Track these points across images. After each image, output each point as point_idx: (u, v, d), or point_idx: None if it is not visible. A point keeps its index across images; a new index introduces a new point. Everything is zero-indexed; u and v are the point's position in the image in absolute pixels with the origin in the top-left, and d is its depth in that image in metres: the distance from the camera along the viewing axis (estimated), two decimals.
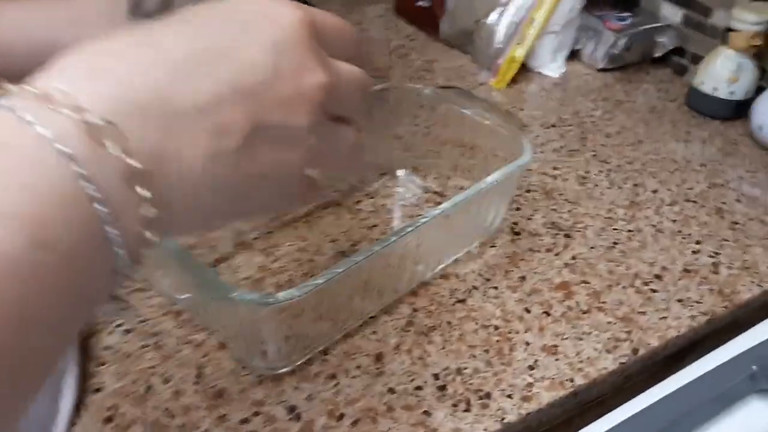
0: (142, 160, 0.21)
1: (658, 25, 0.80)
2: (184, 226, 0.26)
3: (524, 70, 0.79)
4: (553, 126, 0.70)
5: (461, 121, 0.55)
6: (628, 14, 0.81)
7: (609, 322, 0.48)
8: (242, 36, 0.25)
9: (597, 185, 0.62)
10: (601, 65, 0.80)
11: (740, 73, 0.70)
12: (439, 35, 0.84)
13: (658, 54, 0.82)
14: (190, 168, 0.23)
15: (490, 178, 0.47)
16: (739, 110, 0.72)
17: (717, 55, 0.71)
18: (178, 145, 0.23)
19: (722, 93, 0.71)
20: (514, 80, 0.77)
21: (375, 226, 0.55)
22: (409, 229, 0.43)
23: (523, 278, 0.51)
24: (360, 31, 0.87)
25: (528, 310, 0.48)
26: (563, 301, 0.49)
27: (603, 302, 0.49)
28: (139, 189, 0.21)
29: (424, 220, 0.44)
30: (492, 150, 0.55)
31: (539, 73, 0.80)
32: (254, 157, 0.25)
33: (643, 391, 0.42)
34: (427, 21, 0.85)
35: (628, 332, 0.47)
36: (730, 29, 0.70)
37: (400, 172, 0.60)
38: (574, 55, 0.82)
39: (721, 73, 0.71)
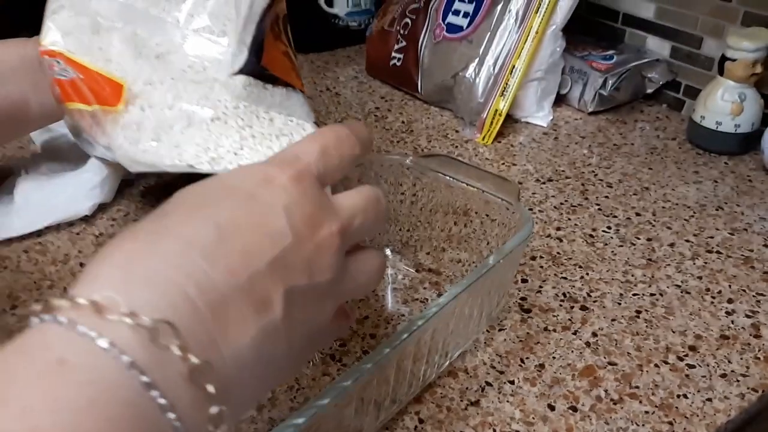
0: (198, 353, 0.21)
1: (647, 60, 0.76)
2: (241, 408, 0.25)
3: (510, 121, 0.74)
4: (550, 180, 0.64)
5: (450, 190, 0.49)
6: (613, 51, 0.77)
7: (646, 412, 0.41)
8: (255, 208, 0.25)
9: (607, 244, 0.56)
10: (591, 108, 0.75)
11: (744, 104, 0.65)
12: (416, 93, 0.80)
13: (649, 90, 0.77)
14: (241, 349, 0.24)
15: (494, 257, 0.41)
16: (746, 143, 0.67)
17: (716, 87, 0.66)
18: (227, 329, 0.23)
19: (726, 127, 0.66)
20: (500, 133, 0.72)
21: (366, 318, 0.48)
22: (414, 328, 0.36)
23: (541, 366, 0.44)
24: (334, 95, 0.82)
25: (552, 407, 0.41)
26: (590, 390, 0.43)
27: (635, 387, 0.43)
28: (203, 385, 0.22)
29: (432, 311, 0.37)
30: (488, 215, 0.49)
31: (527, 123, 0.75)
32: (293, 321, 0.26)
33: None
34: (403, 80, 0.81)
35: (671, 423, 0.40)
36: (725, 59, 0.65)
37: (388, 251, 0.54)
38: (560, 100, 0.78)
39: (723, 106, 0.66)
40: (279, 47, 0.37)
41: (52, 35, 0.36)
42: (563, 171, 0.66)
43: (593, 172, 0.66)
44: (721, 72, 0.66)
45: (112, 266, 0.22)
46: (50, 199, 0.58)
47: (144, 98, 0.34)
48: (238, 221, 0.25)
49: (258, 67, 0.33)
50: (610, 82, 0.73)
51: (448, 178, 0.49)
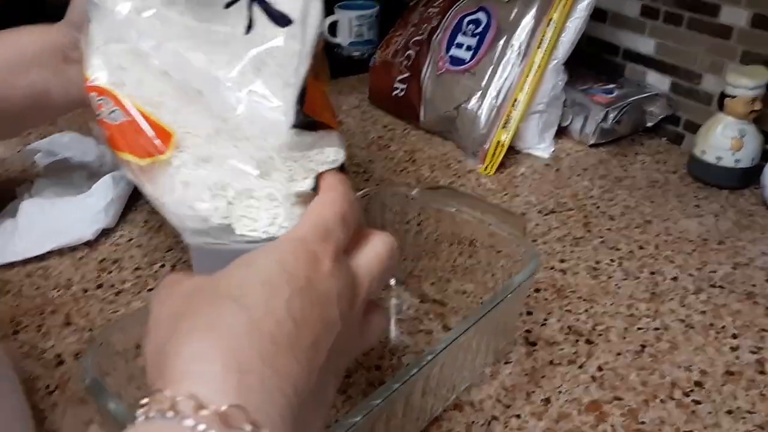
0: None
1: (647, 94, 0.77)
2: None
3: (512, 152, 0.74)
4: (553, 212, 0.65)
5: (455, 222, 0.50)
6: (613, 85, 0.78)
7: None
8: (314, 298, 0.27)
9: (611, 277, 0.56)
10: (592, 141, 0.76)
11: (743, 140, 0.66)
12: (419, 123, 0.80)
13: (649, 124, 0.78)
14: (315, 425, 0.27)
15: (500, 293, 0.41)
16: (746, 178, 0.68)
17: (716, 123, 0.67)
18: (307, 428, 0.26)
19: (727, 162, 0.67)
20: (503, 164, 0.72)
21: (371, 349, 0.48)
22: (424, 362, 0.36)
23: (547, 401, 0.44)
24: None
25: None
26: (596, 425, 0.42)
27: (642, 423, 0.43)
28: None
29: (440, 346, 0.37)
30: (493, 247, 0.49)
31: (528, 155, 0.76)
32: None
33: None
34: (405, 110, 0.82)
35: None
36: (725, 95, 0.66)
37: (392, 281, 0.54)
38: (561, 132, 0.78)
39: (723, 141, 0.66)
40: (318, 88, 0.36)
41: (100, 70, 0.36)
42: (565, 203, 0.66)
43: (595, 204, 0.66)
44: (721, 108, 0.67)
45: (227, 370, 0.23)
46: (54, 223, 0.58)
47: (193, 152, 0.34)
48: (306, 314, 0.26)
49: (301, 116, 0.33)
50: (611, 115, 0.74)
51: (453, 210, 0.49)
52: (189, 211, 0.33)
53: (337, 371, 0.29)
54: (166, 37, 0.34)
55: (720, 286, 0.55)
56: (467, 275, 0.52)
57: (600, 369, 0.47)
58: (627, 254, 0.59)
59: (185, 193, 0.34)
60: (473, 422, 0.42)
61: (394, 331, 0.50)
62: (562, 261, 0.58)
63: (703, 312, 0.52)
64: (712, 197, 0.68)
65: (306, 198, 0.34)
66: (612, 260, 0.58)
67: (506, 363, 0.47)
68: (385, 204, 0.52)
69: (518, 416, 0.43)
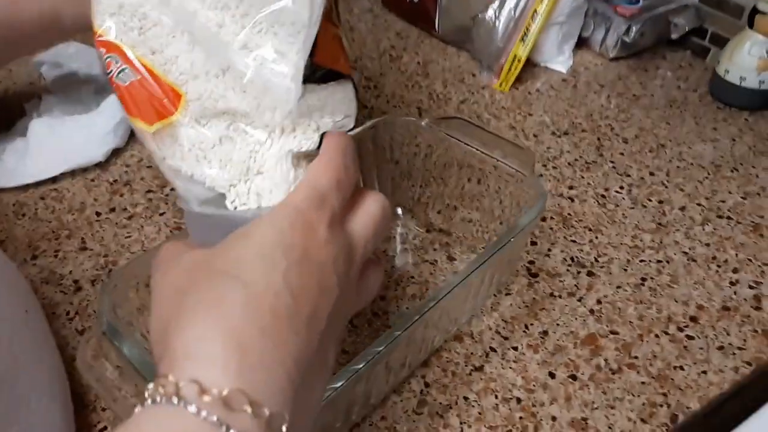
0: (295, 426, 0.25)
1: (674, 6, 0.72)
2: None
3: (529, 65, 0.72)
4: (566, 134, 0.64)
5: (464, 155, 0.49)
6: None
7: (643, 383, 0.43)
8: (311, 268, 0.27)
9: (618, 205, 0.56)
10: (612, 54, 0.73)
11: None
12: (434, 32, 0.77)
13: (674, 36, 0.74)
14: (316, 407, 0.28)
15: (507, 234, 0.42)
16: None
17: (743, 40, 0.64)
18: (311, 395, 0.27)
19: (751, 83, 0.64)
20: (518, 79, 0.70)
21: None
22: (432, 304, 0.38)
23: (545, 333, 0.46)
24: (348, 30, 0.80)
25: (552, 375, 0.43)
26: (590, 359, 0.44)
27: (635, 357, 0.44)
28: None
29: (446, 291, 0.38)
30: (501, 178, 0.49)
31: (545, 68, 0.73)
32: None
33: None
34: (420, 17, 0.78)
35: (665, 394, 0.42)
36: (756, 11, 0.62)
37: (399, 210, 0.54)
38: (582, 43, 0.75)
39: (749, 61, 0.64)
40: (330, 31, 0.34)
41: (109, 23, 0.34)
42: (580, 123, 0.65)
43: (610, 125, 0.65)
44: (750, 25, 0.63)
45: (228, 351, 0.24)
46: (64, 143, 0.58)
47: (202, 113, 0.33)
48: (303, 285, 0.27)
49: (311, 68, 0.32)
50: (634, 28, 0.71)
51: (463, 144, 0.48)
52: (196, 177, 0.33)
53: (337, 335, 0.30)
54: None
55: (728, 217, 0.55)
56: (474, 203, 0.52)
57: (599, 302, 0.48)
58: (637, 181, 0.58)
59: (192, 156, 0.33)
60: (472, 353, 0.44)
61: (399, 260, 0.51)
62: (571, 188, 0.58)
63: (707, 245, 0.52)
64: (731, 119, 0.66)
65: (309, 158, 0.34)
66: (621, 187, 0.58)
67: (507, 294, 0.48)
68: (394, 134, 0.51)
69: (515, 348, 0.45)
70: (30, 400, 0.35)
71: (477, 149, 0.48)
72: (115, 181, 0.58)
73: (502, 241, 0.42)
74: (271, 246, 0.27)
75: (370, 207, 0.33)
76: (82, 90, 0.65)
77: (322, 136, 0.34)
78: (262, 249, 0.27)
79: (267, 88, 0.32)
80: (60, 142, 0.58)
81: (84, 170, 0.58)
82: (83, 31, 0.53)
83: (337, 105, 0.36)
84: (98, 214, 0.54)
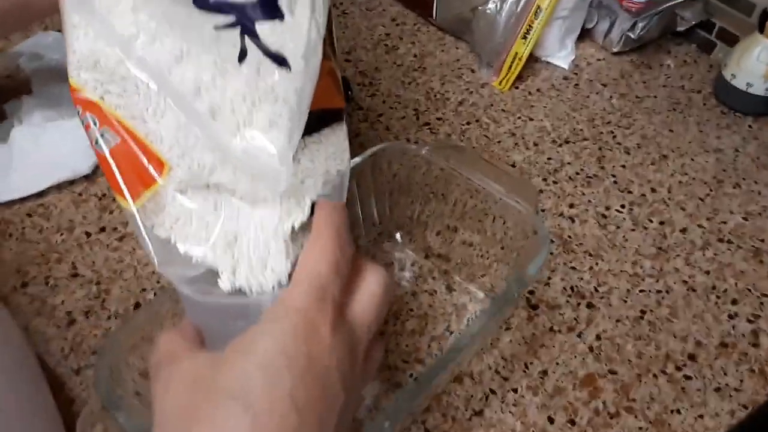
0: None
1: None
2: None
3: (530, 59, 0.69)
4: (567, 142, 0.62)
5: (465, 189, 0.48)
6: None
7: (640, 428, 0.43)
8: (316, 378, 0.27)
9: (619, 227, 0.55)
10: (616, 49, 0.71)
11: None
12: (431, 18, 0.74)
13: (680, 28, 0.72)
14: None
15: (513, 287, 0.41)
16: None
17: (752, 44, 0.62)
18: None
19: (757, 89, 0.63)
20: (519, 75, 0.68)
21: None
22: (448, 364, 0.37)
23: (544, 373, 0.46)
24: (341, 14, 0.76)
25: (551, 420, 0.44)
26: (589, 402, 0.44)
27: (632, 399, 0.45)
28: None
29: (460, 350, 0.38)
30: (504, 210, 0.47)
31: (547, 63, 0.71)
32: None
33: None
34: (417, 2, 0.74)
35: None
36: (767, 17, 0.60)
37: (398, 235, 0.53)
38: (585, 34, 0.73)
39: (757, 67, 0.62)
40: (324, 68, 0.32)
41: (86, 77, 0.32)
42: (581, 130, 0.63)
43: (612, 132, 0.63)
44: (761, 29, 0.61)
45: None
46: (49, 154, 0.56)
47: (187, 184, 0.31)
48: (309, 399, 0.26)
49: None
50: (640, 25, 0.68)
51: (464, 176, 0.47)
52: (181, 252, 0.32)
53: (345, 427, 0.30)
54: (157, 56, 0.30)
55: (728, 241, 0.54)
56: (475, 224, 0.51)
57: (598, 338, 0.48)
58: (638, 198, 0.57)
59: (177, 229, 0.32)
60: (472, 396, 0.45)
61: (398, 292, 0.51)
62: (572, 206, 0.57)
63: (707, 272, 0.52)
64: (735, 126, 0.64)
65: (301, 231, 0.32)
66: (622, 206, 0.57)
67: (507, 329, 0.48)
68: (392, 161, 0.49)
69: (515, 390, 0.45)
70: None
71: (478, 184, 0.46)
72: (104, 195, 0.56)
73: (511, 296, 0.41)
74: (274, 361, 0.26)
75: (371, 286, 0.32)
76: (63, 89, 0.62)
77: (313, 204, 0.33)
78: (264, 365, 0.26)
79: (256, 166, 0.31)
80: (44, 154, 0.56)
81: (71, 183, 0.56)
82: (54, 13, 0.51)
83: (331, 160, 0.34)
84: (88, 234, 0.53)
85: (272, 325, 0.27)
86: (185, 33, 0.31)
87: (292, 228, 0.32)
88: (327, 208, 0.32)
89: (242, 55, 0.29)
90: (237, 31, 0.29)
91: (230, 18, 0.30)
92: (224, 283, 0.32)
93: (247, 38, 0.29)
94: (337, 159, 0.34)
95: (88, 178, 0.57)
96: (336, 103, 0.35)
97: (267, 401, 0.25)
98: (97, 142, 0.32)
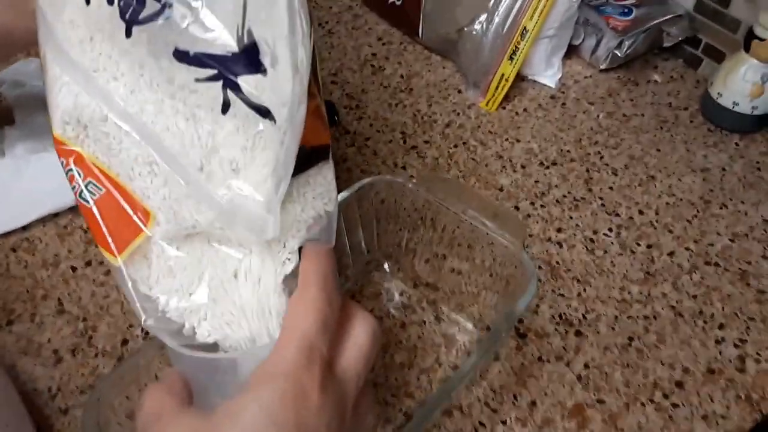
0: None
1: (668, 16, 0.70)
2: None
3: (517, 79, 0.69)
4: (554, 164, 0.62)
5: (453, 222, 0.48)
6: (632, 3, 0.71)
7: None
8: None
9: (607, 251, 0.55)
10: (603, 66, 0.71)
11: (765, 86, 0.61)
12: (416, 37, 0.74)
13: (667, 44, 0.72)
14: None
15: (501, 325, 0.41)
16: (760, 123, 0.64)
17: (738, 64, 0.62)
18: None
19: (743, 108, 0.63)
20: (506, 96, 0.68)
21: None
22: (442, 402, 0.38)
23: (533, 404, 0.46)
24: (327, 34, 0.76)
25: None
26: None
27: (620, 429, 0.45)
28: None
29: (452, 383, 0.38)
30: (491, 251, 0.47)
31: (534, 82, 0.71)
32: None
33: None
34: (402, 20, 0.74)
35: None
36: (754, 36, 0.60)
37: (386, 264, 0.53)
38: (572, 50, 0.73)
39: (743, 86, 0.62)
40: (311, 106, 0.32)
41: (67, 128, 0.32)
42: (568, 151, 0.63)
43: (599, 153, 0.63)
44: (746, 49, 0.61)
45: None
46: (33, 190, 0.55)
47: (174, 235, 0.31)
48: None
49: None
50: (626, 43, 0.68)
51: (452, 211, 0.47)
52: (165, 304, 0.31)
53: None
54: (140, 108, 0.30)
55: (715, 264, 0.55)
56: (464, 251, 0.51)
57: (586, 366, 0.48)
58: (626, 221, 0.58)
59: (162, 281, 0.32)
60: (461, 430, 0.45)
61: (386, 323, 0.51)
62: (559, 230, 0.57)
63: (694, 297, 0.52)
64: (722, 144, 0.65)
65: (291, 277, 0.32)
66: (610, 229, 0.57)
67: (496, 360, 0.48)
68: (380, 193, 0.49)
69: (504, 422, 0.45)
70: None
71: (466, 219, 0.46)
72: (89, 228, 0.55)
73: (500, 330, 0.41)
74: (262, 429, 0.26)
75: (359, 336, 0.32)
76: (47, 116, 0.61)
77: (300, 249, 0.33)
78: (252, 423, 0.26)
79: (243, 215, 0.30)
80: (28, 187, 0.55)
81: (55, 215, 0.56)
82: (35, 44, 0.51)
83: (318, 200, 0.34)
84: (74, 269, 0.52)
85: (260, 392, 0.27)
86: (165, 85, 0.30)
87: (283, 278, 0.32)
88: (314, 257, 0.32)
89: (225, 107, 0.29)
90: (219, 84, 0.28)
91: (211, 71, 0.30)
92: (210, 337, 0.32)
93: (229, 91, 0.28)
94: (325, 199, 0.34)
95: (73, 210, 0.56)
96: (323, 140, 0.35)
97: None
98: (81, 195, 0.32)
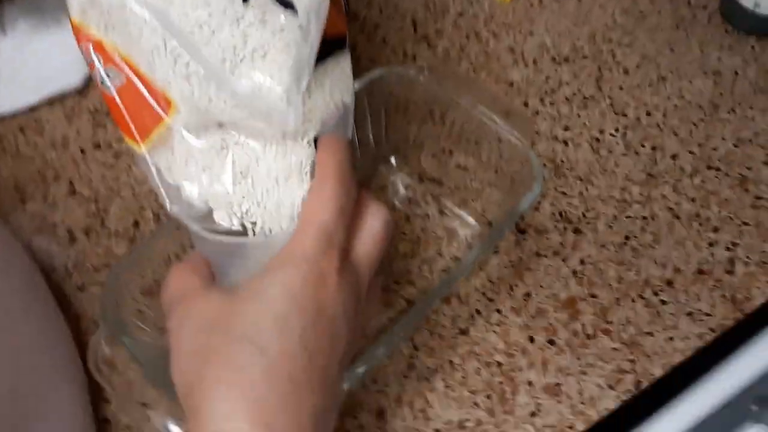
0: None
1: None
2: None
3: None
4: (566, 60, 0.61)
5: (461, 115, 0.48)
6: None
7: (614, 349, 0.46)
8: (325, 323, 0.29)
9: (611, 151, 0.56)
10: None
11: None
12: None
13: None
14: None
15: (504, 222, 0.42)
16: None
17: None
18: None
19: (764, 9, 0.61)
20: None
21: None
22: (445, 290, 0.40)
23: (528, 295, 0.48)
24: None
25: (532, 339, 0.46)
26: (568, 323, 0.47)
27: (609, 322, 0.47)
28: None
29: (455, 278, 0.40)
30: (498, 144, 0.48)
31: None
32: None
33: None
34: None
35: (632, 361, 0.46)
36: None
37: (393, 159, 0.54)
38: None
39: None
40: None
41: (88, 15, 0.31)
42: (582, 47, 0.62)
43: (612, 51, 0.62)
44: None
45: (254, 428, 0.26)
46: (38, 69, 0.55)
47: (195, 121, 0.31)
48: (317, 341, 0.28)
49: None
50: None
51: (461, 103, 0.47)
52: (189, 192, 0.32)
53: (347, 363, 0.32)
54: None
55: (717, 168, 0.55)
56: (471, 146, 0.51)
57: (582, 262, 0.50)
58: (633, 122, 0.58)
59: (184, 168, 0.32)
60: (458, 316, 0.47)
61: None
62: (566, 128, 0.57)
63: (693, 199, 0.53)
64: (737, 47, 0.63)
65: (306, 170, 0.33)
66: (616, 129, 0.57)
67: (495, 252, 0.50)
68: (389, 87, 0.49)
69: (499, 311, 0.48)
70: (48, 398, 0.37)
71: (476, 114, 0.46)
72: (96, 110, 0.55)
73: (500, 231, 0.42)
74: (285, 306, 0.28)
75: (373, 227, 0.33)
76: None
77: (317, 140, 0.33)
78: (276, 313, 0.28)
79: (263, 106, 0.31)
80: (33, 66, 0.55)
81: (62, 97, 0.56)
82: None
83: (336, 92, 0.34)
84: (83, 151, 0.53)
85: (282, 274, 0.29)
86: None
87: (300, 166, 0.33)
88: (332, 148, 0.33)
89: None
90: None
91: None
92: (231, 223, 0.33)
93: None
94: (342, 90, 0.34)
95: (80, 92, 0.56)
96: (340, 29, 0.34)
97: (278, 344, 0.27)
98: (103, 82, 0.32)
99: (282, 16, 0.28)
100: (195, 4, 0.29)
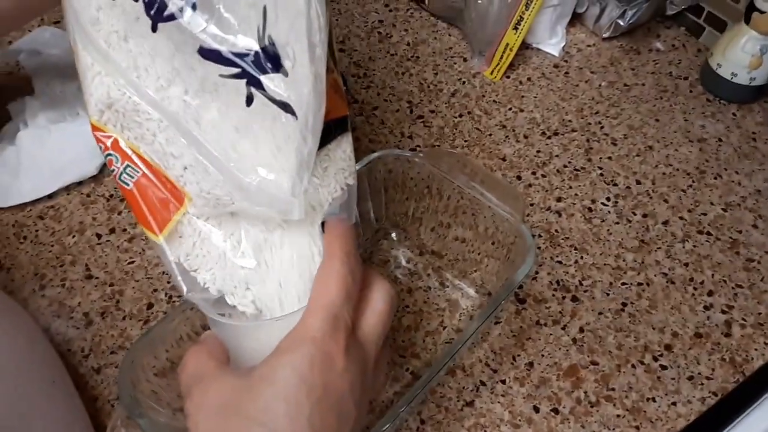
0: None
1: None
2: None
3: (521, 47, 0.70)
4: (556, 134, 0.64)
5: (456, 194, 0.50)
6: None
7: (618, 416, 0.47)
8: (332, 401, 0.30)
9: (604, 220, 0.58)
10: (605, 35, 0.72)
11: (763, 58, 0.63)
12: (424, 3, 0.74)
13: (670, 12, 0.73)
14: None
15: (501, 292, 0.44)
16: (757, 94, 0.66)
17: (738, 35, 0.63)
18: None
19: (741, 79, 0.64)
20: (510, 64, 0.69)
21: None
22: (447, 361, 0.41)
23: (530, 365, 0.49)
24: None
25: (537, 409, 0.47)
26: (571, 392, 0.48)
27: (612, 389, 0.48)
28: None
29: (457, 349, 0.41)
30: (493, 222, 0.50)
31: (538, 50, 0.72)
32: None
33: None
34: None
35: (637, 428, 0.47)
36: (754, 8, 0.61)
37: (393, 234, 0.56)
38: (576, 18, 0.74)
39: (742, 57, 0.63)
40: (328, 79, 0.34)
41: (105, 113, 0.34)
42: (570, 121, 0.65)
43: (599, 123, 0.65)
44: (747, 21, 0.62)
45: None
46: (56, 159, 0.58)
47: (208, 213, 0.34)
48: (325, 421, 0.30)
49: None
50: (629, 12, 0.69)
51: (455, 183, 0.49)
52: (202, 277, 0.34)
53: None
54: (169, 99, 0.33)
55: (707, 233, 0.57)
56: (468, 219, 0.53)
57: (581, 330, 0.51)
58: (624, 191, 0.60)
59: (196, 255, 0.35)
60: (463, 388, 0.48)
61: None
62: (559, 200, 0.59)
63: (686, 264, 0.55)
64: (720, 114, 0.66)
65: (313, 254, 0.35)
66: (608, 198, 0.59)
67: (497, 323, 0.52)
68: (387, 166, 0.52)
69: (503, 381, 0.49)
70: None
71: (469, 192, 0.49)
72: (111, 196, 0.58)
73: (499, 301, 0.44)
74: (294, 389, 0.30)
75: (378, 303, 0.35)
76: (66, 90, 0.63)
77: (323, 224, 0.35)
78: (286, 396, 0.29)
79: (269, 198, 0.33)
80: (51, 157, 0.58)
81: (78, 184, 0.58)
82: (52, 8, 0.53)
83: (339, 175, 0.36)
84: (98, 236, 0.55)
85: (291, 356, 0.30)
86: (192, 79, 0.33)
87: (308, 250, 0.35)
88: (337, 230, 0.35)
89: (249, 101, 0.31)
90: (243, 82, 0.31)
91: (235, 69, 0.32)
92: (244, 306, 0.35)
93: (252, 88, 0.31)
94: (345, 173, 0.37)
95: (95, 178, 0.59)
96: (341, 112, 0.37)
97: (289, 427, 0.29)
98: (121, 178, 0.34)
99: (283, 117, 0.31)
100: (204, 107, 0.32)
